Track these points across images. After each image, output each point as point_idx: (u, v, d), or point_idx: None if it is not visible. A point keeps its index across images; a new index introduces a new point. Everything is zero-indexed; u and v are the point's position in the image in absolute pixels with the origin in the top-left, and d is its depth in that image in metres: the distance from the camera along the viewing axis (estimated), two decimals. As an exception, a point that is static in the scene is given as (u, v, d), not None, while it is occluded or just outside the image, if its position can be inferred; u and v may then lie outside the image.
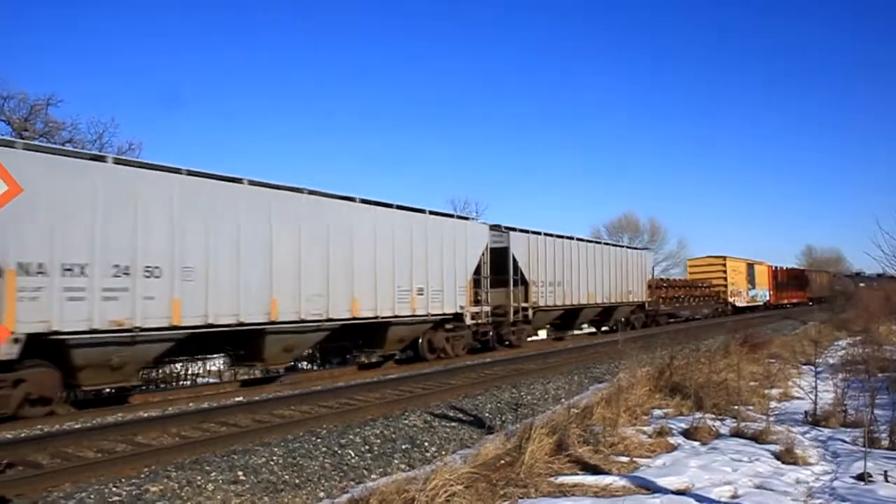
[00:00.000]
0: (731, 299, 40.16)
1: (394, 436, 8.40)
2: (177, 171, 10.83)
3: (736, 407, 9.78)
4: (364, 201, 14.41)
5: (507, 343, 19.87)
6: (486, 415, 9.90)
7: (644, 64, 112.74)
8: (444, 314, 16.50)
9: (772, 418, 9.02)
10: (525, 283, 20.00)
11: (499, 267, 19.11)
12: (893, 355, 14.77)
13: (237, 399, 11.18)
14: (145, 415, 9.79)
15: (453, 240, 16.92)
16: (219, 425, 8.88)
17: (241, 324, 11.58)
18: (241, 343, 12.40)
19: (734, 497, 6.13)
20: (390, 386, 12.14)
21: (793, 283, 53.73)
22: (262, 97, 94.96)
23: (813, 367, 13.00)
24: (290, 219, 12.57)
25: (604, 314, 25.95)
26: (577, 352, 18.94)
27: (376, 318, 14.43)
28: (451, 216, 17.46)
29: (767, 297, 47.20)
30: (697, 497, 6.06)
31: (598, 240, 25.74)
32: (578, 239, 23.88)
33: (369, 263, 14.29)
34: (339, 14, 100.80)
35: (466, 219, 18.21)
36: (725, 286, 40.03)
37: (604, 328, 27.24)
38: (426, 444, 8.25)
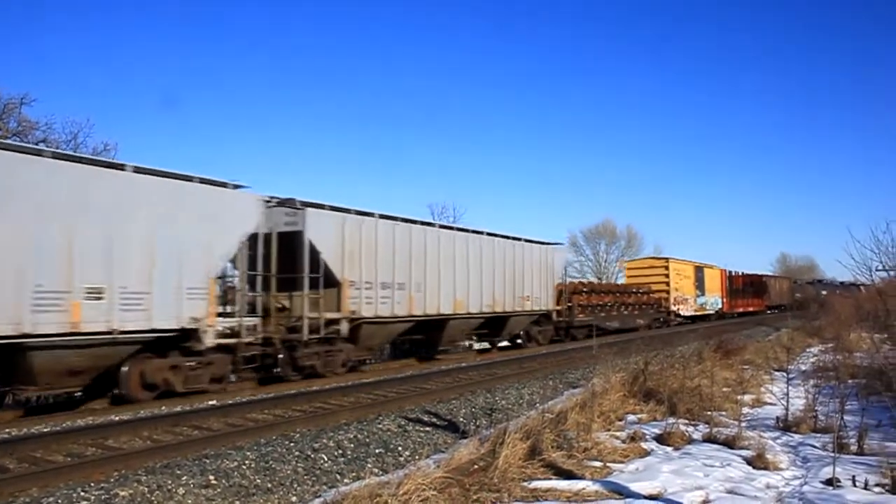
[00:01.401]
0: (674, 307, 35.38)
1: (367, 440, 8.37)
2: None
3: (709, 412, 9.88)
4: None
5: (306, 370, 13.86)
6: (461, 419, 9.90)
7: (623, 68, 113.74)
8: (155, 330, 10.78)
9: (744, 424, 9.11)
10: (337, 284, 14.48)
11: (299, 261, 13.90)
12: (863, 362, 15.00)
13: (210, 402, 11.10)
14: (116, 418, 9.67)
15: (182, 214, 11.22)
16: (191, 429, 8.82)
17: None
18: None
19: (706, 502, 6.18)
20: (364, 390, 12.13)
21: (750, 290, 48.87)
22: (237, 97, 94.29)
23: (785, 374, 13.15)
24: None
25: (490, 326, 20.25)
26: (553, 357, 19.00)
27: None
28: (187, 178, 11.48)
29: (720, 305, 42.80)
30: (669, 502, 6.12)
31: (475, 228, 19.45)
32: (441, 226, 18.19)
33: None
34: (317, 9, 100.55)
35: (223, 185, 12.10)
36: (668, 292, 35.03)
37: (501, 343, 21.87)
38: (400, 448, 8.23)
